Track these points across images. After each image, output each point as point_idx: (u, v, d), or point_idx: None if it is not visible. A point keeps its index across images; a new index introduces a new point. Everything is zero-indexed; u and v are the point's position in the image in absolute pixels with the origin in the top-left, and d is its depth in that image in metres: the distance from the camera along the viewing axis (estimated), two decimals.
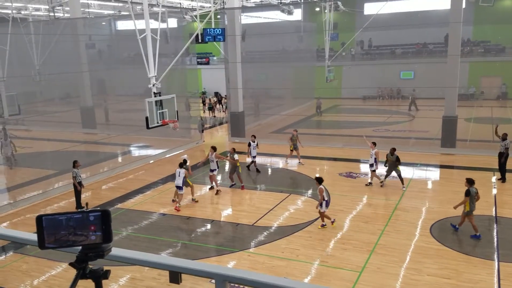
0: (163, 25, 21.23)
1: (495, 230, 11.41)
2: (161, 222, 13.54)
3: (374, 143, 15.98)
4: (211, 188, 16.23)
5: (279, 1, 32.32)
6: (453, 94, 20.09)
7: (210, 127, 30.30)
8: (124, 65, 31.02)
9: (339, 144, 22.19)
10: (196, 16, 22.60)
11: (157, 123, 15.02)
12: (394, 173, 15.43)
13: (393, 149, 15.30)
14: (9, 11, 24.79)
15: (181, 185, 14.08)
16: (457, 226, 11.74)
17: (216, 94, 41.41)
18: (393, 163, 15.16)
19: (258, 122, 27.92)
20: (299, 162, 19.21)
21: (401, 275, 9.77)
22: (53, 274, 10.35)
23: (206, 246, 11.99)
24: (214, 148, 16.02)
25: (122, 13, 36.18)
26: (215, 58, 42.21)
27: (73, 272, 1.91)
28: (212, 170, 15.89)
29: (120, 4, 34.15)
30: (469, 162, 18.49)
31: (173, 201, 14.88)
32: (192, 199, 14.91)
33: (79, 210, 1.92)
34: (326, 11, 29.52)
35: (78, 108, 26.93)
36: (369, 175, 16.16)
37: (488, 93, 35.47)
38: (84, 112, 26.60)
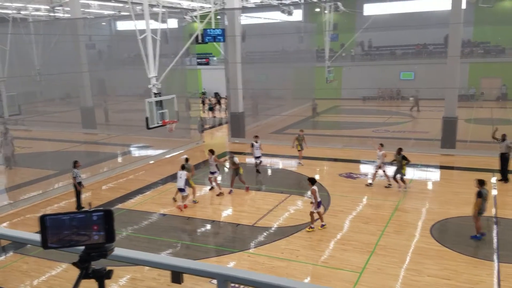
0: (163, 26, 21.22)
1: (495, 231, 11.40)
2: (161, 223, 13.54)
3: (382, 145, 15.98)
4: (211, 188, 16.23)
5: (279, 1, 32.35)
6: (453, 95, 20.10)
7: (210, 128, 30.30)
8: (124, 65, 31.09)
9: (339, 145, 22.20)
10: (196, 16, 22.67)
11: (157, 123, 15.03)
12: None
13: (400, 149, 15.12)
14: (9, 11, 24.80)
15: (183, 187, 14.06)
16: (478, 235, 11.25)
17: (216, 94, 41.43)
18: (400, 163, 14.98)
19: (257, 124, 27.90)
20: (299, 163, 19.22)
21: (401, 276, 9.77)
22: (53, 274, 10.35)
23: (206, 246, 11.99)
24: (211, 151, 15.97)
25: (122, 13, 36.20)
26: (215, 58, 42.22)
27: (73, 272, 1.91)
28: (212, 173, 15.88)
29: (120, 5, 34.13)
30: (469, 163, 18.49)
31: (174, 200, 14.90)
32: (193, 200, 14.91)
33: (81, 210, 1.92)
34: (326, 11, 29.57)
35: (78, 108, 26.95)
36: (382, 176, 15.97)
37: (488, 94, 35.51)
38: (84, 112, 26.61)
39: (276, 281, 2.11)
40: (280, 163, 20.07)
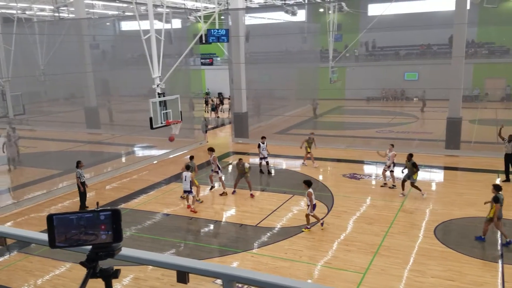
0: (167, 26, 21.29)
1: (499, 232, 11.35)
2: (164, 222, 13.57)
3: (392, 145, 15.91)
4: (212, 188, 16.22)
5: (283, 2, 32.34)
6: (457, 95, 20.03)
7: (213, 128, 30.31)
8: (128, 65, 31.14)
9: (342, 145, 22.17)
10: (200, 17, 22.70)
11: (161, 123, 15.07)
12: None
13: (410, 155, 14.64)
14: (14, 11, 24.89)
15: (189, 189, 14.05)
16: (508, 240, 11.08)
17: (219, 95, 41.45)
18: (411, 169, 14.51)
19: (259, 124, 27.88)
20: (303, 163, 19.20)
21: (405, 277, 9.75)
22: (57, 273, 10.37)
23: (209, 246, 12.00)
24: (210, 150, 15.94)
25: (126, 13, 36.29)
26: (218, 58, 42.26)
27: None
28: (215, 172, 15.86)
29: (125, 5, 34.22)
30: (474, 164, 18.42)
31: (182, 197, 14.94)
32: (197, 199, 14.92)
33: (88, 210, 1.93)
34: (330, 12, 29.55)
35: (82, 108, 27.03)
36: (389, 177, 15.85)
37: (493, 94, 35.36)
38: (88, 112, 26.68)
39: (281, 281, 2.12)
40: (283, 163, 20.05)
